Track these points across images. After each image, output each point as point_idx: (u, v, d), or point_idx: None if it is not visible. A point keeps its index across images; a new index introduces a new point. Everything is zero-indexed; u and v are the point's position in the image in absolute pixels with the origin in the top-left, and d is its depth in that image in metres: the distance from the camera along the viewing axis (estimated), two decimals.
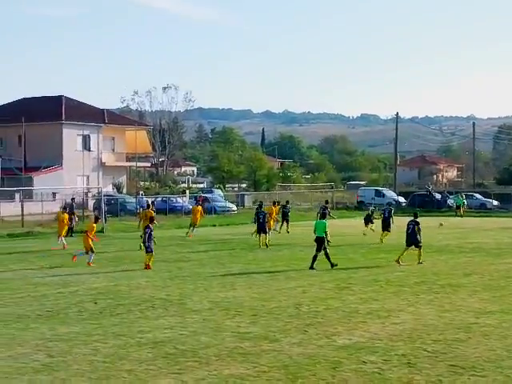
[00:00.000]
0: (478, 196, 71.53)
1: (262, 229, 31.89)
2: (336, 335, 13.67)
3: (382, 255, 28.21)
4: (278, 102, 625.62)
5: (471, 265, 25.14)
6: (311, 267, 23.71)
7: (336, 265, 23.99)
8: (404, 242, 25.45)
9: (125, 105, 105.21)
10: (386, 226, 33.58)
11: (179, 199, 61.94)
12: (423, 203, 65.09)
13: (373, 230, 37.54)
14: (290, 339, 13.35)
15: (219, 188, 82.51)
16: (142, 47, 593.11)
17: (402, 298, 18.10)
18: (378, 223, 36.51)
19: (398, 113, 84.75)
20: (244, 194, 73.74)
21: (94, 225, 27.29)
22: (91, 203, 57.16)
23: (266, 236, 32.06)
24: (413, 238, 25.03)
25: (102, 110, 74.99)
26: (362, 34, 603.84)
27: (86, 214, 48.35)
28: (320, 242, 24.13)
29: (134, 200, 56.26)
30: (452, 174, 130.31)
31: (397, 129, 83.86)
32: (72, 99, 73.57)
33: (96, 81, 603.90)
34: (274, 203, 39.73)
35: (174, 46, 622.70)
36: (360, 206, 70.63)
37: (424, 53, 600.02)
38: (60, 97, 72.51)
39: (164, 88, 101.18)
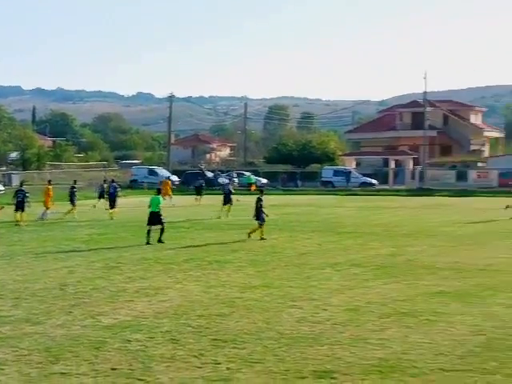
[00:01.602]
0: (248, 174, 74.01)
1: (19, 207, 32.69)
2: (101, 315, 13.53)
3: (153, 234, 28.26)
4: (51, 79, 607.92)
5: (239, 241, 25.88)
6: (152, 241, 24.90)
7: (163, 242, 24.96)
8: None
9: None
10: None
11: None
12: (196, 181, 66.03)
13: (95, 206, 42.05)
14: (54, 321, 13.04)
15: None
16: None
17: (171, 275, 18.28)
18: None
19: (172, 92, 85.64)
20: (11, 174, 70.86)
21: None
22: None
23: (21, 214, 32.72)
24: (257, 213, 26.85)
25: None
26: (137, 13, 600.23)
27: None
28: (156, 217, 25.13)
29: None
30: (225, 152, 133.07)
31: (171, 108, 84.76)
32: None
33: None
34: (49, 182, 39.17)
35: None
36: (133, 184, 70.57)
37: (195, 35, 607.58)
38: None
39: None
